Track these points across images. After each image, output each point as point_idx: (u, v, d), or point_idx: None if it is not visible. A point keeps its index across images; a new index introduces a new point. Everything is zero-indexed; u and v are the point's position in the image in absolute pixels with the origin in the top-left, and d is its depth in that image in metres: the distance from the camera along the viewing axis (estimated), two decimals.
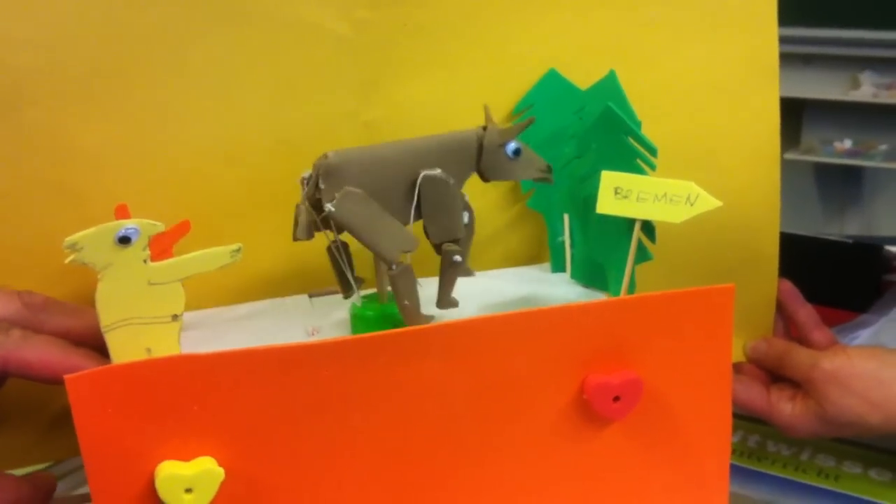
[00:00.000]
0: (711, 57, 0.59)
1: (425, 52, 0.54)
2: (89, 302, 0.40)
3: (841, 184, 2.32)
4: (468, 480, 0.43)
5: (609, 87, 0.50)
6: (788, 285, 0.65)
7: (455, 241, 0.45)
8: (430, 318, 0.45)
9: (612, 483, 0.46)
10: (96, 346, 0.42)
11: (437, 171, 0.44)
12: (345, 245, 0.46)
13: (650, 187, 0.45)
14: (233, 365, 0.38)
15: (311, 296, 0.49)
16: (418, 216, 0.45)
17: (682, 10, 0.58)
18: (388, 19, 0.53)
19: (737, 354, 0.65)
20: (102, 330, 0.40)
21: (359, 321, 0.47)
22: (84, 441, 0.36)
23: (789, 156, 2.14)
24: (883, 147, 2.18)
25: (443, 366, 0.41)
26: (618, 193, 0.46)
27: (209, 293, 0.50)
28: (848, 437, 0.65)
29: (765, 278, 0.64)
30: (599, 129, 0.49)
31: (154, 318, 0.41)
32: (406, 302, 0.44)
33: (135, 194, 0.49)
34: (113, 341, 0.41)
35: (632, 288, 0.48)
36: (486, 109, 0.47)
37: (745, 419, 0.66)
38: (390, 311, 0.46)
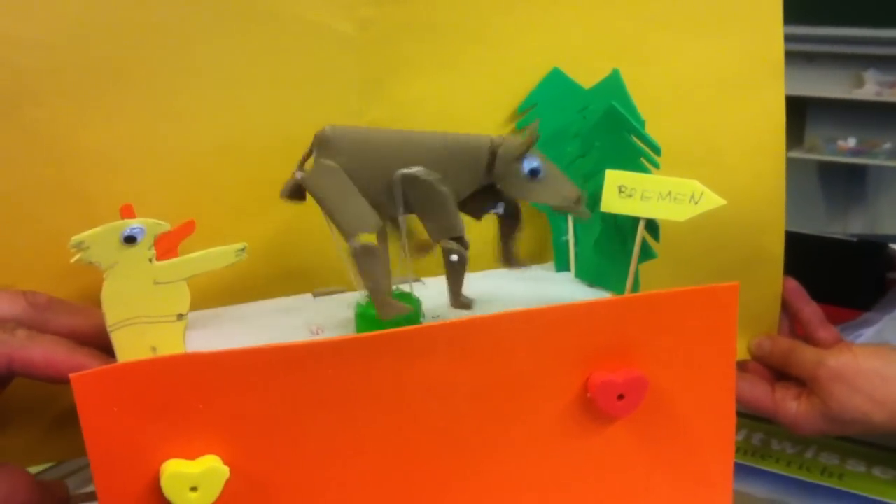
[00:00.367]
0: (715, 55, 0.59)
1: (429, 51, 0.54)
2: (94, 301, 0.41)
3: (844, 182, 2.32)
4: (472, 478, 0.43)
5: (613, 85, 0.50)
6: (793, 283, 0.65)
7: (457, 239, 0.44)
8: (405, 307, 0.44)
9: (615, 481, 0.46)
10: (101, 346, 0.42)
11: (417, 170, 0.42)
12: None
13: (654, 186, 0.45)
14: (238, 364, 0.38)
15: (315, 295, 0.49)
16: (410, 210, 0.44)
17: (685, 8, 0.58)
18: (391, 18, 0.53)
19: (741, 352, 0.65)
20: (108, 329, 0.40)
21: (363, 320, 0.47)
22: (90, 440, 0.36)
23: (793, 154, 2.13)
24: (887, 145, 2.18)
25: (447, 364, 0.41)
26: (622, 192, 0.46)
27: (214, 292, 0.50)
28: (852, 436, 0.65)
29: (770, 276, 0.64)
30: (603, 127, 0.49)
31: (159, 317, 0.41)
32: (370, 284, 0.43)
33: (140, 193, 0.49)
34: (118, 340, 0.41)
35: (636, 286, 0.48)
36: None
37: (750, 417, 0.67)
38: None
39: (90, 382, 0.36)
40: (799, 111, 2.21)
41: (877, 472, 0.63)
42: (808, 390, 0.60)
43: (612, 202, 0.46)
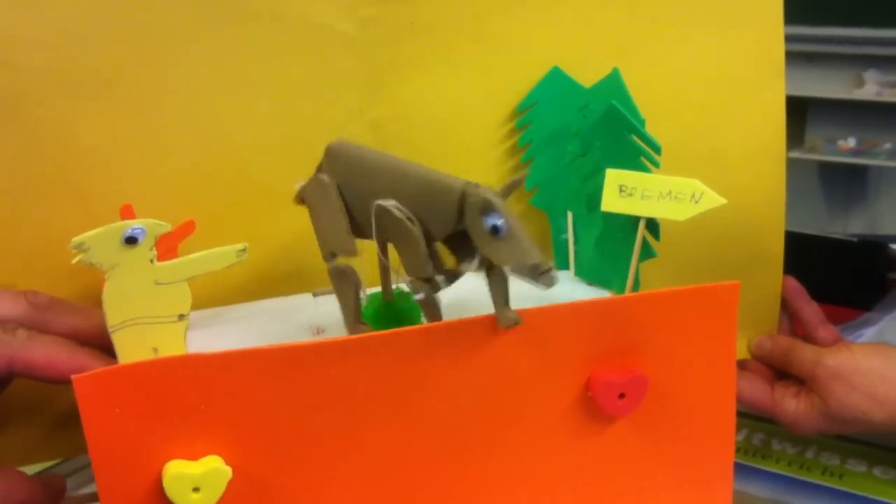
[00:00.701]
0: (716, 55, 0.59)
1: (430, 50, 0.54)
2: (95, 302, 0.41)
3: (845, 182, 2.32)
4: (473, 477, 0.43)
5: (613, 84, 0.50)
6: (793, 282, 0.65)
7: (427, 281, 0.41)
8: (365, 327, 0.44)
9: (616, 480, 0.46)
10: (102, 346, 0.42)
11: (390, 203, 0.40)
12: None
13: (654, 185, 0.45)
14: (239, 364, 0.38)
15: (315, 294, 0.49)
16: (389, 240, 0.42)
17: (686, 7, 0.58)
18: (393, 17, 0.53)
19: (741, 352, 0.65)
20: (109, 330, 0.40)
21: (364, 320, 0.47)
22: (92, 441, 0.36)
23: (793, 154, 2.13)
24: (887, 145, 2.18)
25: (447, 364, 0.41)
26: (622, 191, 0.46)
27: (215, 292, 0.50)
28: (852, 435, 0.65)
29: (770, 276, 0.64)
30: (603, 127, 0.49)
31: (160, 318, 0.41)
32: (341, 304, 0.44)
33: (140, 193, 0.49)
34: (119, 341, 0.41)
35: (636, 285, 0.48)
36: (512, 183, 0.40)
37: (750, 417, 0.66)
38: (396, 309, 0.46)
39: (92, 383, 0.36)
40: (799, 111, 2.21)
41: (877, 472, 0.63)
42: (808, 389, 0.60)
43: (612, 201, 0.46)
